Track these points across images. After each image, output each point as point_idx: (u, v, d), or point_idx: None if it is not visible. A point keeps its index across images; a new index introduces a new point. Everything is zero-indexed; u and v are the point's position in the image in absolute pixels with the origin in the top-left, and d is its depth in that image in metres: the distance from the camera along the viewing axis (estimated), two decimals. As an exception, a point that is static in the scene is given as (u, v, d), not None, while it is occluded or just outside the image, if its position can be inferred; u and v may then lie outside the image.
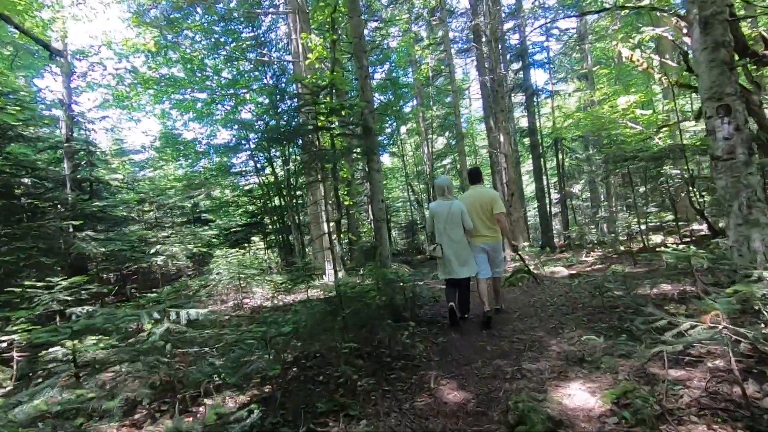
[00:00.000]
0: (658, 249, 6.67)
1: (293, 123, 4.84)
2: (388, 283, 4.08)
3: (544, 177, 17.64)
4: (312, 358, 3.48)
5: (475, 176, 4.78)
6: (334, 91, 7.45)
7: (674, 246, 3.88)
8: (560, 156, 16.18)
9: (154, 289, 7.31)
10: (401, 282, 4.35)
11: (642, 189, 8.55)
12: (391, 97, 18.28)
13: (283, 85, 13.13)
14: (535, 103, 17.64)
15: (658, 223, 8.74)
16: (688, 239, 8.06)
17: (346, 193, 8.99)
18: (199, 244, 9.60)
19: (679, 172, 7.68)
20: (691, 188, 6.50)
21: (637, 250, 8.22)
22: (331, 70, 6.60)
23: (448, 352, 3.68)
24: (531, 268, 8.20)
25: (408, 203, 20.71)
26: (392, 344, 3.71)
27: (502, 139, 11.03)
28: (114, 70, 10.10)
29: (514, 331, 4.00)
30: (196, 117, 12.75)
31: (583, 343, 3.26)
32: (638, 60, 7.95)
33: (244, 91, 12.78)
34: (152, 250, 6.54)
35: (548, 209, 15.42)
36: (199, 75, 11.61)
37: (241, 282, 6.99)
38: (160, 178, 14.45)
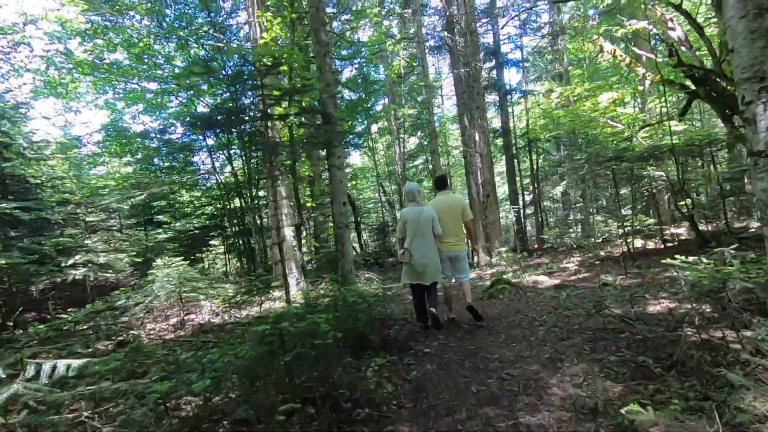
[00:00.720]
0: (638, 253, 6.27)
1: (236, 107, 4.01)
2: (350, 306, 3.31)
3: (518, 178, 17.34)
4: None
5: (442, 183, 4.82)
6: (295, 78, 6.62)
7: (682, 259, 3.28)
8: (534, 157, 15.87)
9: (73, 310, 6.26)
10: (366, 303, 3.58)
11: (623, 191, 8.14)
12: (361, 94, 17.55)
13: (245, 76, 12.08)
14: (508, 103, 17.30)
15: (637, 227, 8.36)
16: (670, 243, 7.69)
17: (309, 193, 8.14)
18: (142, 250, 8.51)
19: (663, 174, 7.28)
20: (681, 190, 6.06)
21: (620, 254, 7.79)
22: (289, 52, 5.79)
23: (424, 392, 2.94)
24: (510, 275, 7.62)
25: (379, 204, 19.97)
26: (353, 385, 2.94)
27: (477, 137, 10.46)
28: (43, 52, 8.84)
29: (502, 363, 3.31)
30: (145, 109, 11.54)
31: (591, 385, 2.59)
32: (621, 55, 7.51)
33: (201, 82, 11.68)
34: (70, 261, 5.50)
35: (522, 211, 15.06)
36: (148, 63, 10.44)
37: (182, 297, 6.03)
38: (105, 176, 13.08)
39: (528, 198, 17.95)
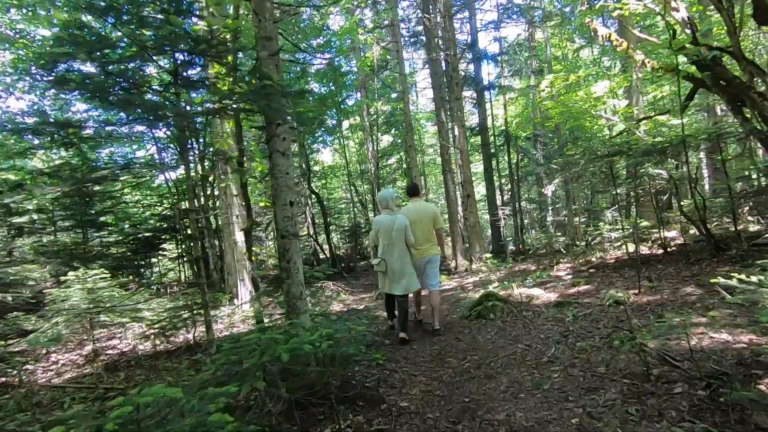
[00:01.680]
0: (634, 260, 5.49)
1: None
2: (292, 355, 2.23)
3: (496, 178, 16.64)
4: None
5: (413, 190, 4.89)
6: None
7: (738, 277, 2.41)
8: (513, 155, 15.18)
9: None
10: (317, 349, 2.51)
11: (619, 191, 7.40)
12: (332, 87, 16.42)
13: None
14: (487, 99, 16.58)
15: (628, 230, 7.65)
16: (666, 248, 6.97)
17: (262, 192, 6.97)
18: (66, 258, 7.14)
19: (664, 172, 6.54)
20: (693, 188, 5.30)
21: (615, 261, 7.01)
22: (234, 16, 4.65)
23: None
24: (495, 285, 6.71)
25: (351, 204, 18.86)
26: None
27: (456, 132, 9.56)
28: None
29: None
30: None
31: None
32: (617, 40, 6.74)
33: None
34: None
35: (500, 213, 14.32)
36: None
37: (94, 322, 4.77)
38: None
39: (505, 198, 17.27)
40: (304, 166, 16.37)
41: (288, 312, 2.79)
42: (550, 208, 16.70)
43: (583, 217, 11.11)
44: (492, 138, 16.05)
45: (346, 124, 20.31)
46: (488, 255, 9.25)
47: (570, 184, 7.57)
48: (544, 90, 7.08)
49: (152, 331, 4.82)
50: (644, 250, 7.61)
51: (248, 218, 5.39)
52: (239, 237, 6.80)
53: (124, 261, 12.16)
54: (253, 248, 6.42)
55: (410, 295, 4.54)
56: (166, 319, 4.62)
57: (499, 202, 16.74)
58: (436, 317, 4.50)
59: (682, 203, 6.30)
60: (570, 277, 6.33)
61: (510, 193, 16.40)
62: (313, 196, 16.36)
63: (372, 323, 5.17)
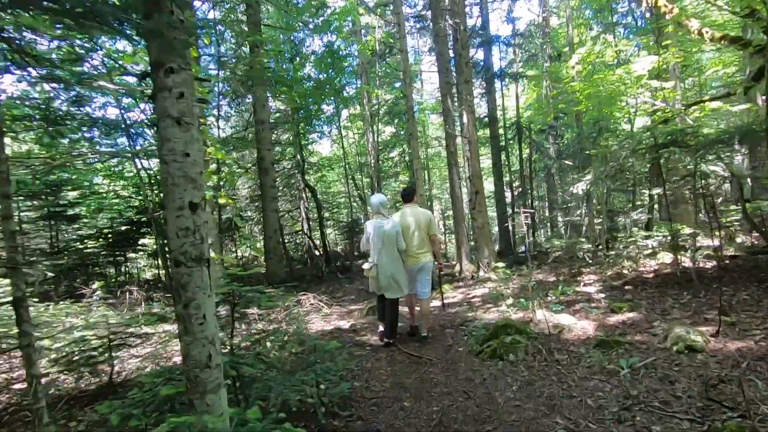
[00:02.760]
0: (675, 272, 4.27)
1: None
2: None
3: (506, 174, 15.40)
4: None
5: (408, 195, 4.77)
6: None
7: None
8: (525, 149, 13.92)
9: None
10: None
11: (656, 191, 6.18)
12: (332, 73, 15.16)
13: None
14: (497, 88, 15.29)
15: (666, 238, 6.43)
16: (721, 262, 5.72)
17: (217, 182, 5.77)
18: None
19: (721, 168, 5.31)
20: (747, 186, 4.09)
21: (654, 275, 5.80)
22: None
23: None
24: (509, 301, 5.52)
25: (349, 199, 17.68)
26: None
27: (465, 119, 8.32)
28: None
29: None
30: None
31: None
32: (665, 5, 5.49)
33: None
34: None
35: (511, 212, 13.11)
36: None
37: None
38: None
39: (515, 196, 16.01)
40: (298, 157, 15.20)
41: (188, 389, 1.63)
42: (563, 207, 15.45)
43: (599, 219, 9.86)
44: (502, 130, 14.79)
45: (345, 114, 19.14)
46: (500, 265, 8.03)
47: (604, 182, 6.33)
48: (573, 67, 5.85)
49: (53, 369, 3.65)
50: (686, 262, 6.37)
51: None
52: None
53: (93, 257, 11.09)
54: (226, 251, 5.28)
55: (402, 299, 4.55)
56: (76, 351, 3.46)
57: (508, 201, 15.51)
58: (424, 325, 4.61)
59: (743, 205, 5.06)
60: (603, 297, 5.13)
61: (520, 190, 15.17)
62: (308, 189, 15.19)
63: (352, 362, 4.00)
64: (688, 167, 5.35)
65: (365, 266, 4.48)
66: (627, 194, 13.50)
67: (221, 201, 4.40)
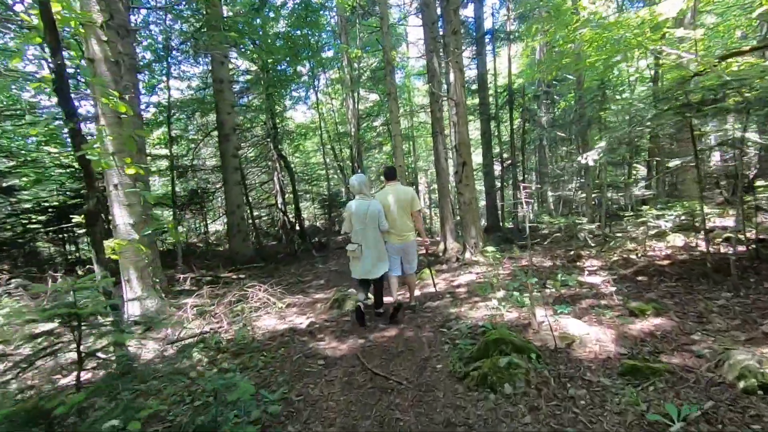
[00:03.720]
0: (695, 260, 3.40)
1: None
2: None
3: (495, 146, 14.34)
4: None
5: (390, 173, 4.71)
6: None
7: None
8: (516, 117, 12.82)
9: None
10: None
11: (674, 162, 5.21)
12: (307, 32, 13.62)
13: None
14: (490, 50, 14.01)
15: (677, 216, 5.53)
16: (750, 248, 4.83)
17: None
18: None
19: (755, 135, 4.34)
20: None
21: (670, 262, 4.91)
22: None
23: None
24: (500, 297, 4.59)
25: (326, 170, 16.45)
26: None
27: (452, 78, 7.15)
28: None
29: None
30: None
31: None
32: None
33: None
34: None
35: (499, 186, 12.14)
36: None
37: None
38: None
39: (504, 169, 15.00)
40: (269, 124, 13.83)
41: None
42: (555, 180, 14.54)
43: (596, 194, 8.96)
44: (493, 97, 13.62)
45: (324, 79, 17.63)
46: (491, 249, 7.07)
47: (617, 150, 5.34)
48: (586, 7, 4.72)
49: None
50: (700, 246, 5.51)
51: (90, 189, 3.09)
52: (120, 215, 4.49)
53: (29, 235, 9.79)
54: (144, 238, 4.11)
55: (393, 281, 4.55)
56: None
57: (497, 174, 14.52)
58: (411, 296, 4.89)
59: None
60: (615, 291, 4.21)
61: (509, 162, 14.15)
62: (281, 160, 13.90)
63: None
64: (727, 133, 4.35)
65: (349, 248, 4.41)
66: (619, 167, 12.64)
67: (129, 171, 3.21)
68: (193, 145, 12.03)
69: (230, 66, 14.30)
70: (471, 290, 5.24)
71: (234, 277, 8.28)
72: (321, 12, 14.10)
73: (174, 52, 10.42)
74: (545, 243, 7.90)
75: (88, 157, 2.96)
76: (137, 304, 4.61)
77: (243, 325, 4.40)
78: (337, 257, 11.13)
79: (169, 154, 9.62)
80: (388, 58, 6.62)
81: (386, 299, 4.91)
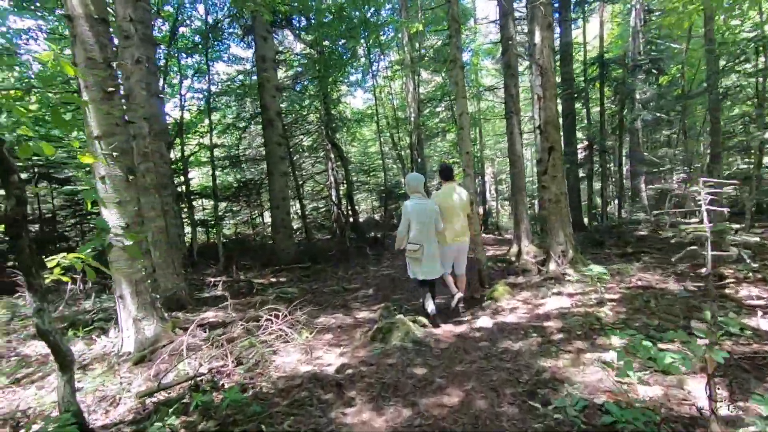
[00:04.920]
0: None
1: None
2: None
3: (586, 129, 12.20)
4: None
5: (447, 173, 4.71)
6: None
7: None
8: (607, 94, 10.62)
9: None
10: None
11: None
12: (365, 9, 12.39)
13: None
14: (578, 14, 11.83)
15: None
16: None
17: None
18: None
19: None
20: None
21: None
22: None
23: None
24: (627, 361, 3.06)
25: (383, 159, 15.24)
26: None
27: (538, 38, 5.49)
28: None
29: None
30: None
31: None
32: None
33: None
34: None
35: (589, 176, 10.10)
36: None
37: None
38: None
39: (587, 156, 12.74)
40: (322, 111, 12.88)
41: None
42: (654, 171, 12.09)
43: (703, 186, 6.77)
44: (582, 70, 11.48)
45: (382, 63, 16.32)
46: (586, 261, 5.33)
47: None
48: None
49: None
50: None
51: (6, 185, 2.08)
52: (109, 215, 3.57)
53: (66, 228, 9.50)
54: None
55: (448, 279, 4.63)
56: None
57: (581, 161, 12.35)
58: (461, 292, 4.71)
59: None
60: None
61: (596, 148, 11.91)
62: (335, 149, 12.92)
63: None
64: None
65: (410, 248, 4.36)
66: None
67: (86, 160, 2.15)
68: (239, 133, 11.37)
69: (281, 48, 13.54)
70: (568, 327, 3.70)
71: (272, 280, 7.37)
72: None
73: (221, 33, 9.74)
74: (649, 250, 6.03)
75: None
76: (132, 327, 3.68)
77: (251, 367, 3.28)
78: (391, 257, 9.91)
79: (209, 143, 8.91)
80: (453, 12, 5.15)
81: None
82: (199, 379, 3.14)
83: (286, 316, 4.13)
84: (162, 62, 8.40)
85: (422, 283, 4.50)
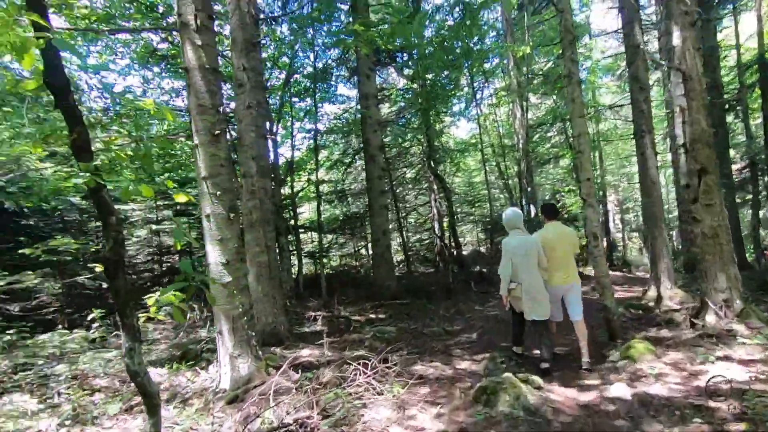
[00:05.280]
0: None
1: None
2: None
3: (735, 147, 10.11)
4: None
5: (551, 211, 4.54)
6: None
7: None
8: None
9: None
10: None
11: None
12: (466, 39, 12.23)
13: None
14: (725, 12, 10.09)
15: None
16: None
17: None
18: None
19: None
20: None
21: None
22: None
23: None
24: None
25: (488, 189, 14.46)
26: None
27: (678, 39, 4.55)
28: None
29: None
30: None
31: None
32: None
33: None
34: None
35: (755, 202, 8.12)
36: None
37: None
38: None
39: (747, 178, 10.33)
40: (425, 143, 12.78)
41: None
42: None
43: None
44: (736, 76, 9.58)
45: (487, 91, 15.81)
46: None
47: None
48: None
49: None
50: None
51: (106, 227, 2.15)
52: (212, 252, 3.69)
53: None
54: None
55: (579, 328, 4.15)
56: None
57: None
58: (584, 350, 4.07)
59: None
60: None
61: (761, 168, 9.62)
62: (437, 180, 12.63)
63: None
64: None
65: (510, 286, 4.20)
66: None
67: (181, 198, 2.19)
68: (345, 168, 11.79)
69: (385, 85, 13.96)
70: (751, 413, 2.67)
71: (371, 316, 7.16)
72: (482, 13, 12.53)
73: (329, 76, 10.37)
74: None
75: (100, 181, 2.02)
76: (228, 364, 3.69)
77: (337, 421, 2.98)
78: (499, 294, 9.05)
79: (315, 179, 9.32)
80: (566, 23, 4.55)
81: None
82: (283, 430, 2.93)
83: (377, 366, 3.77)
84: (277, 105, 9.15)
85: (518, 321, 4.37)
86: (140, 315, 2.48)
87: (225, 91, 6.17)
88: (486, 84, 15.44)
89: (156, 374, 4.21)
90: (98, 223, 7.40)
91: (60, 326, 5.39)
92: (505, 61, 14.39)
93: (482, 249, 19.11)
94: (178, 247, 2.40)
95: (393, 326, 6.38)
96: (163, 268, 9.46)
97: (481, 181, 19.51)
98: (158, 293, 2.53)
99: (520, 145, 13.45)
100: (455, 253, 12.53)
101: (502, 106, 15.42)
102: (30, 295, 5.68)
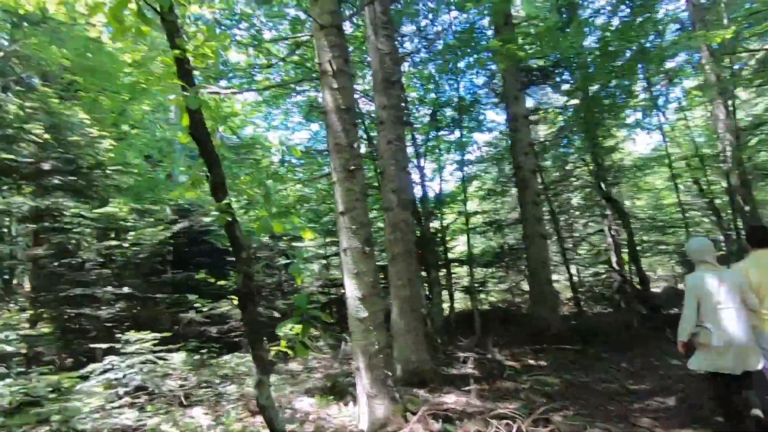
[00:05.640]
0: None
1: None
2: None
3: None
4: None
5: (761, 237, 3.54)
6: None
7: None
8: None
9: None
10: None
11: None
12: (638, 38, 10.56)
13: None
14: None
15: None
16: None
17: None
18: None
19: None
20: None
21: None
22: None
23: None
24: None
25: (685, 211, 11.70)
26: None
27: None
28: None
29: None
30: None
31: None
32: None
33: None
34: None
35: None
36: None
37: None
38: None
39: None
40: (591, 162, 11.18)
41: None
42: None
43: None
44: None
45: (672, 92, 13.09)
46: None
47: None
48: None
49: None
50: None
51: (239, 262, 2.30)
52: (349, 286, 3.71)
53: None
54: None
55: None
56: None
57: None
58: None
59: None
60: None
61: None
62: (610, 204, 10.83)
63: None
64: None
65: (693, 331, 3.22)
66: None
67: (307, 235, 2.31)
68: (498, 197, 11.14)
69: (540, 106, 12.92)
70: None
71: (530, 362, 6.26)
72: (659, 4, 10.62)
73: (475, 104, 10.15)
74: None
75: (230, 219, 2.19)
76: (365, 404, 3.59)
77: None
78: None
79: (464, 210, 9.00)
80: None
81: None
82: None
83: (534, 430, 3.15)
84: (423, 140, 9.33)
85: (721, 384, 3.25)
86: (272, 348, 2.56)
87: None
88: (669, 86, 12.88)
89: (307, 404, 4.40)
90: (281, 260, 8.71)
91: (243, 349, 6.26)
92: (696, 55, 11.86)
93: (680, 286, 15.50)
94: (299, 282, 2.40)
95: (556, 377, 5.42)
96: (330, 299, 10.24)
97: (671, 202, 16.02)
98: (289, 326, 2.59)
99: (728, 154, 10.62)
100: (640, 290, 10.33)
101: (695, 108, 12.52)
102: (224, 320, 6.82)
